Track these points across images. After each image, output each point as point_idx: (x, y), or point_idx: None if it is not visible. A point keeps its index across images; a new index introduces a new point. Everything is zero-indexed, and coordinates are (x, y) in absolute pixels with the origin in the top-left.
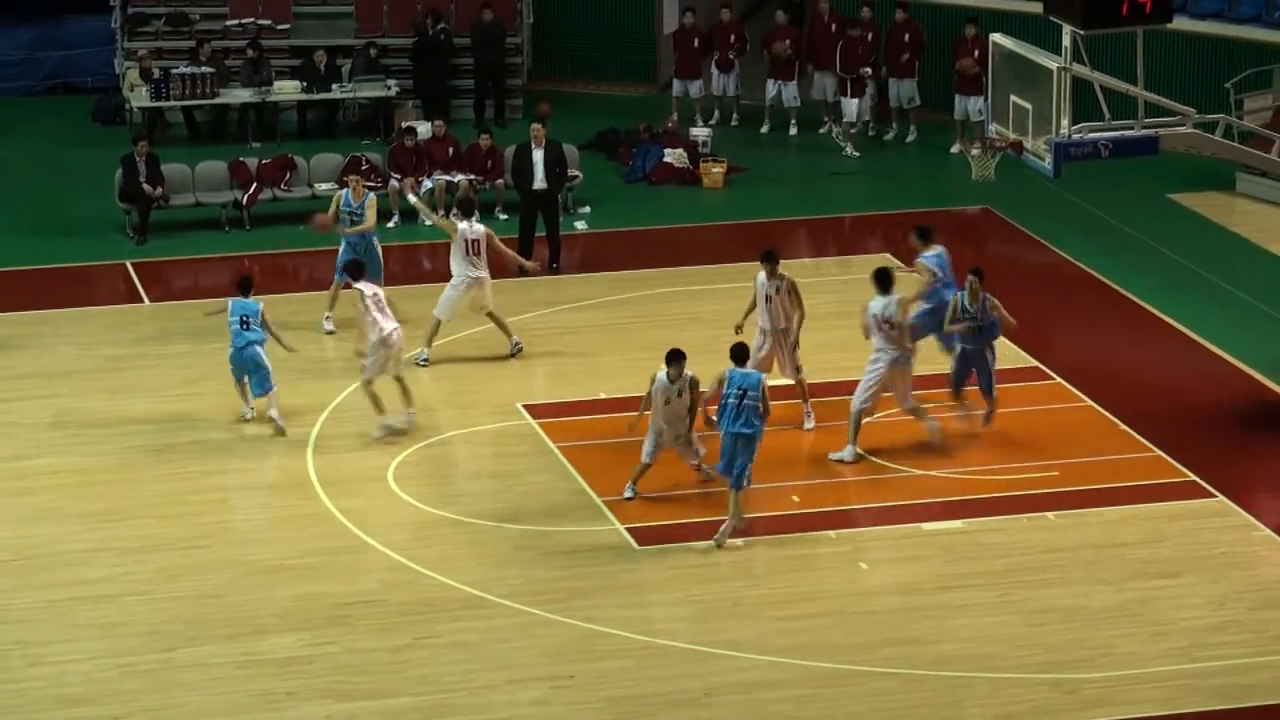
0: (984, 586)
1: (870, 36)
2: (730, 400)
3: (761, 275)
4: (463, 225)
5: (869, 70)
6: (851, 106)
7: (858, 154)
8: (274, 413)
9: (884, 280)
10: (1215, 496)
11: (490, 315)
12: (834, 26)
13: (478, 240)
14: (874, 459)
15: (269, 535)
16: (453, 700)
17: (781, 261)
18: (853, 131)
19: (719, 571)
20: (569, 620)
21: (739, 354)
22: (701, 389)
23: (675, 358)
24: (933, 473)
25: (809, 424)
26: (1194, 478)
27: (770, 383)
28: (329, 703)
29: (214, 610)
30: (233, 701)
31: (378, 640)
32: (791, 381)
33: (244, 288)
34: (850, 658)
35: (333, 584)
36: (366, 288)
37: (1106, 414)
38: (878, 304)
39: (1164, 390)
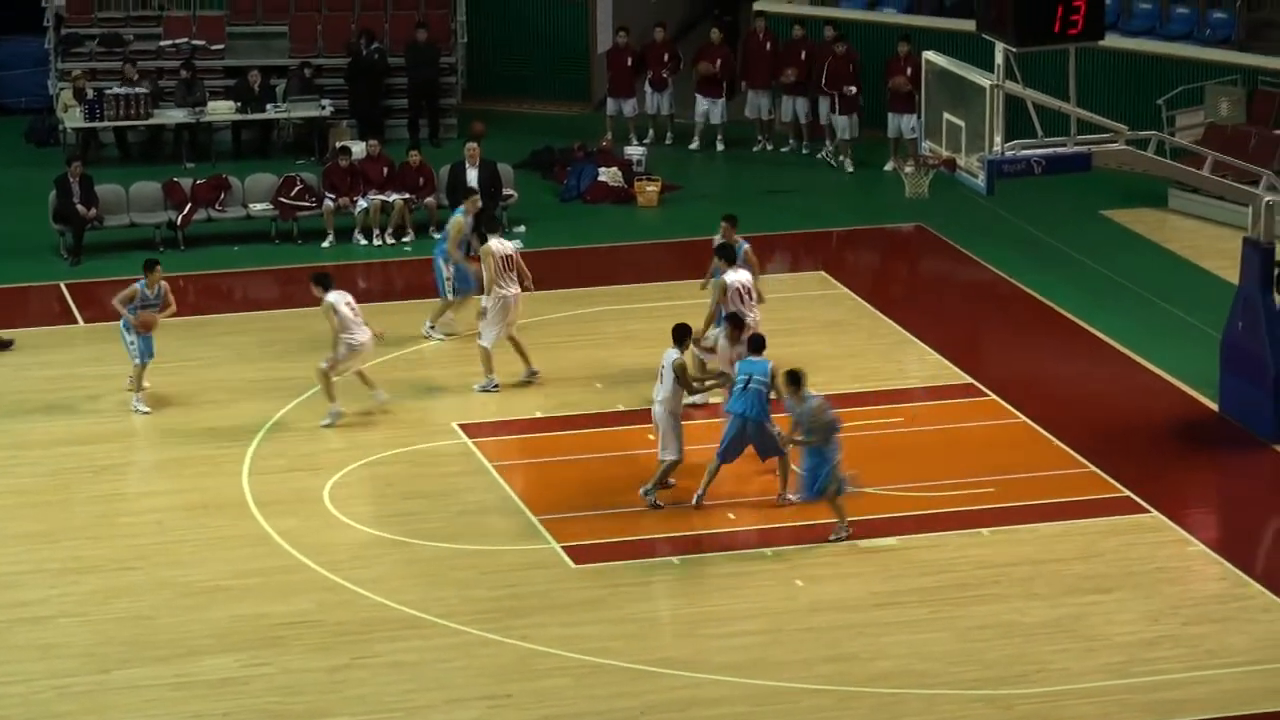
0: (919, 603)
1: (846, 51)
2: (737, 386)
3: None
4: (494, 242)
5: (853, 88)
6: (842, 123)
7: (852, 170)
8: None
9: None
10: (1149, 512)
11: (512, 339)
12: (768, 45)
13: (510, 256)
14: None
15: (204, 556)
16: None
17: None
18: (849, 150)
19: (655, 590)
20: (506, 640)
21: (757, 345)
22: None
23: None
24: (868, 490)
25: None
26: (1128, 493)
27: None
28: None
29: (149, 632)
30: None
31: (314, 660)
32: None
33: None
34: (787, 675)
35: (269, 604)
36: (341, 297)
37: (1041, 430)
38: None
39: (1098, 406)
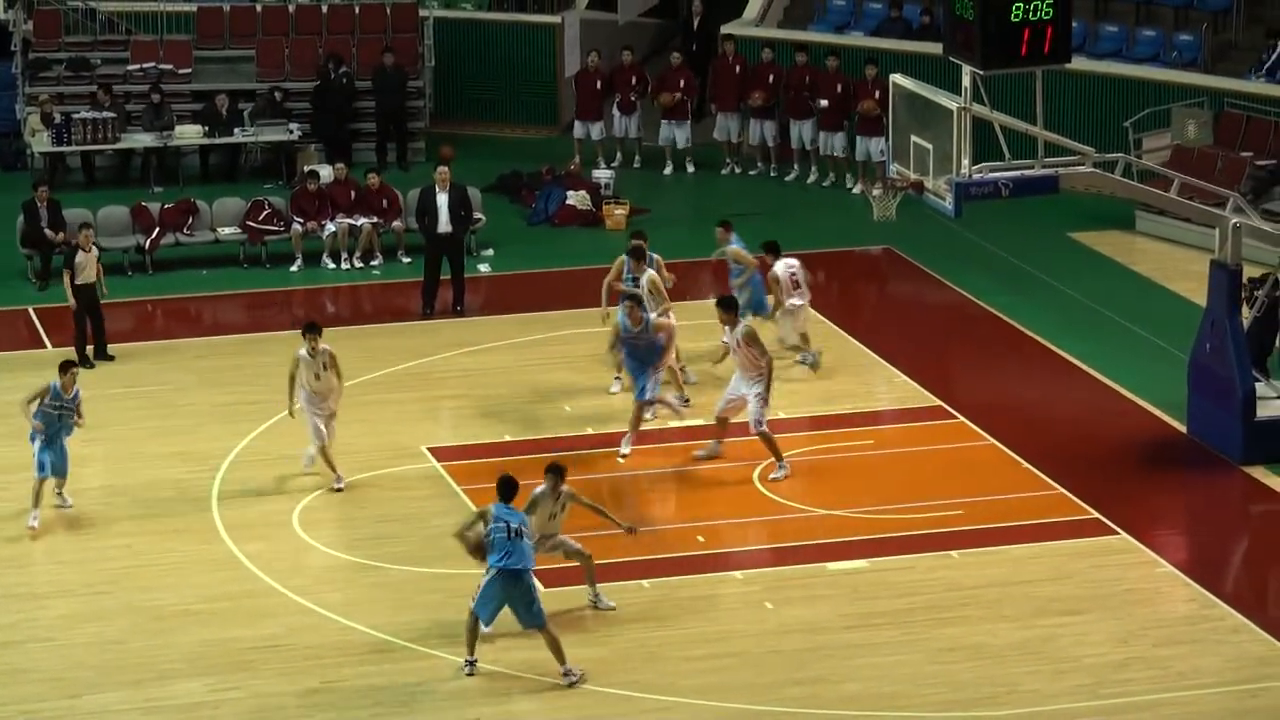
0: (889, 625)
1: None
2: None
3: (726, 328)
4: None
5: (824, 102)
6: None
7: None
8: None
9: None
10: (1118, 533)
11: (670, 367)
12: (738, 68)
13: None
14: (778, 499)
15: (174, 580)
16: None
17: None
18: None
19: (624, 614)
20: (478, 658)
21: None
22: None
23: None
24: (837, 512)
25: (777, 474)
26: (1097, 515)
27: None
28: None
29: (118, 656)
30: None
31: (284, 684)
32: (753, 434)
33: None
34: (756, 698)
35: (238, 629)
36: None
37: (1009, 452)
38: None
39: (1066, 428)
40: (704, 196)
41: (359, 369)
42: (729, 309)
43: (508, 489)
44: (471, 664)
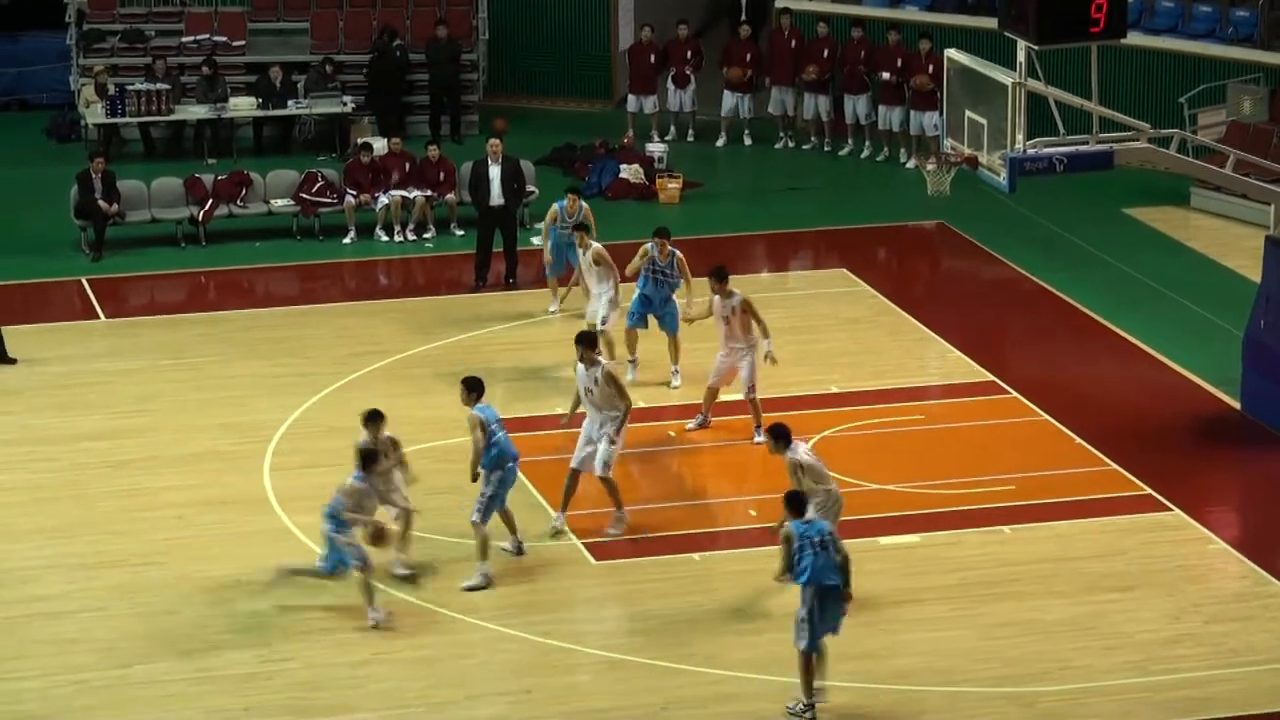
0: (940, 600)
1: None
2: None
3: (715, 297)
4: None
5: (887, 75)
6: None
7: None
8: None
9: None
10: (1171, 510)
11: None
12: (793, 42)
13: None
14: (831, 473)
15: (225, 551)
16: (411, 715)
17: (730, 278)
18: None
19: (676, 586)
20: (527, 635)
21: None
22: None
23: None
24: (889, 487)
25: (760, 438)
26: (1149, 491)
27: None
28: (286, 718)
29: (170, 626)
30: (189, 718)
31: (336, 656)
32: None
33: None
34: None
35: (290, 600)
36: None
37: (1062, 428)
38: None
39: (1119, 404)
40: (758, 171)
41: (411, 341)
42: (722, 279)
43: None
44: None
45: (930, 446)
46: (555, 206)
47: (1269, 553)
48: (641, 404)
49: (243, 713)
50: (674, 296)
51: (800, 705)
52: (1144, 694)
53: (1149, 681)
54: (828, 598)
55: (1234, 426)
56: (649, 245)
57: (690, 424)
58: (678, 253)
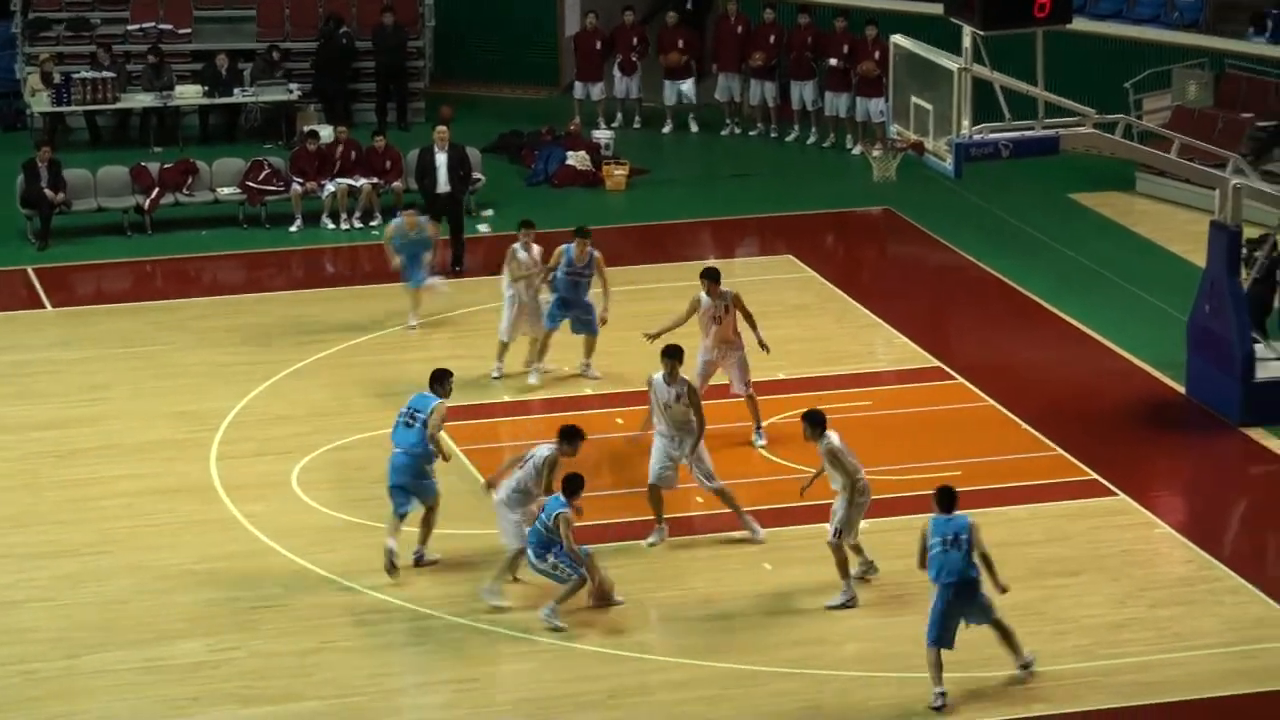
0: (888, 586)
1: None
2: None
3: (703, 296)
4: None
5: (834, 61)
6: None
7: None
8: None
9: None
10: (1116, 495)
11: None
12: (740, 28)
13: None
14: (778, 459)
15: (173, 541)
16: (359, 704)
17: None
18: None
19: (624, 574)
20: (474, 624)
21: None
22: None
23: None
24: None
25: (760, 441)
26: (1095, 476)
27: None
28: (234, 708)
29: (118, 616)
30: (138, 708)
31: (283, 644)
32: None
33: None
34: (756, 658)
35: (238, 589)
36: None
37: (1008, 413)
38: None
39: (1066, 389)
40: (704, 157)
41: (357, 330)
42: (715, 279)
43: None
44: None
45: (877, 432)
46: (561, 250)
47: (1214, 537)
48: (588, 390)
49: (191, 702)
50: (589, 298)
51: (935, 696)
52: (1091, 678)
53: (1096, 666)
54: (963, 593)
55: (1179, 411)
56: (566, 247)
57: None
58: (596, 253)
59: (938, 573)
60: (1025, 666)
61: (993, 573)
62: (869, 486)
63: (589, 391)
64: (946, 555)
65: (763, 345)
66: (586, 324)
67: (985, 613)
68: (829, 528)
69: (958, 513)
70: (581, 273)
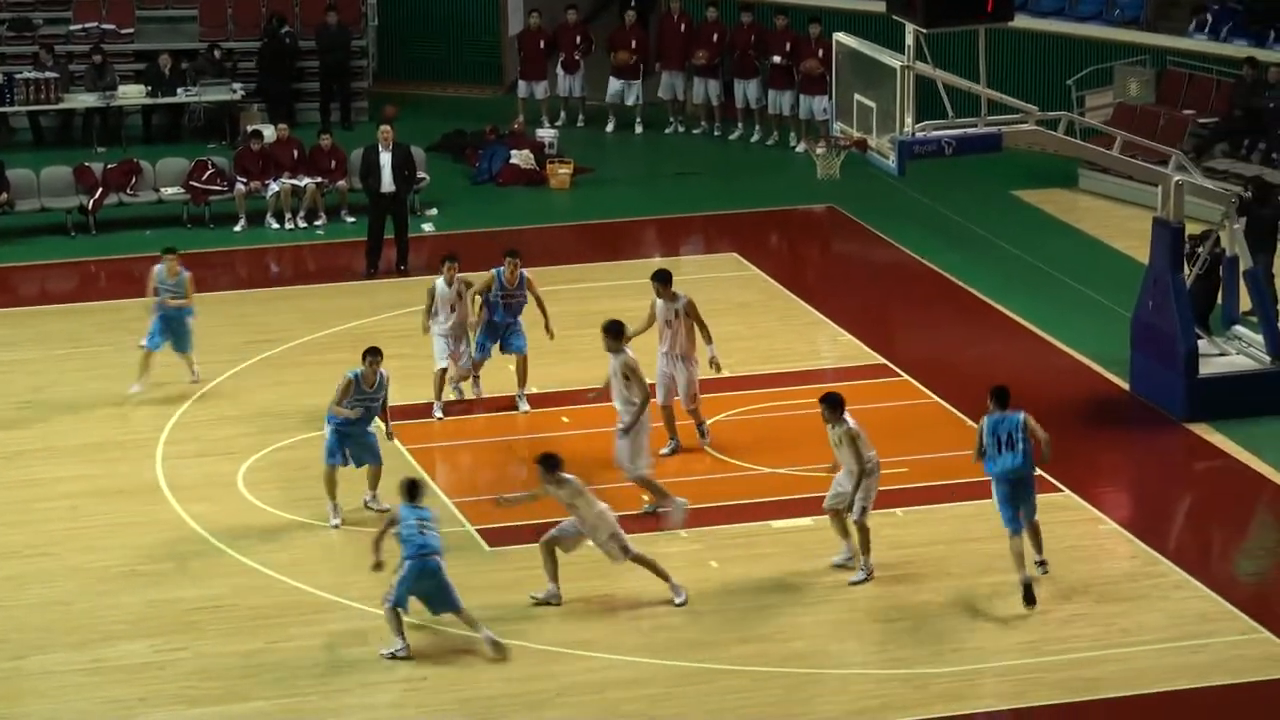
0: (833, 583)
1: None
2: None
3: (658, 301)
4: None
5: (777, 59)
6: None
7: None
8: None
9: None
10: (1061, 491)
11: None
12: (683, 26)
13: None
14: (723, 457)
15: (118, 541)
16: (306, 704)
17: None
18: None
19: (570, 572)
20: (421, 622)
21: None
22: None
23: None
24: (781, 470)
25: (705, 440)
26: (1040, 473)
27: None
28: (180, 708)
29: (63, 617)
30: (83, 709)
31: (229, 645)
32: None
33: None
34: (702, 656)
35: (183, 589)
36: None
37: (953, 410)
38: None
39: (1010, 385)
40: (648, 155)
41: (302, 329)
42: (665, 282)
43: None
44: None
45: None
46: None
47: (1158, 533)
48: (534, 388)
49: (138, 702)
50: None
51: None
52: (1036, 674)
53: (1041, 662)
54: (1018, 487)
55: (1123, 407)
56: (497, 270)
57: (664, 450)
58: (526, 273)
59: (993, 468)
60: (1041, 563)
61: (1046, 457)
62: (879, 464)
63: (535, 390)
64: (1000, 454)
65: (714, 364)
66: (515, 342)
67: (1032, 509)
68: (854, 507)
69: (1010, 411)
70: (514, 294)
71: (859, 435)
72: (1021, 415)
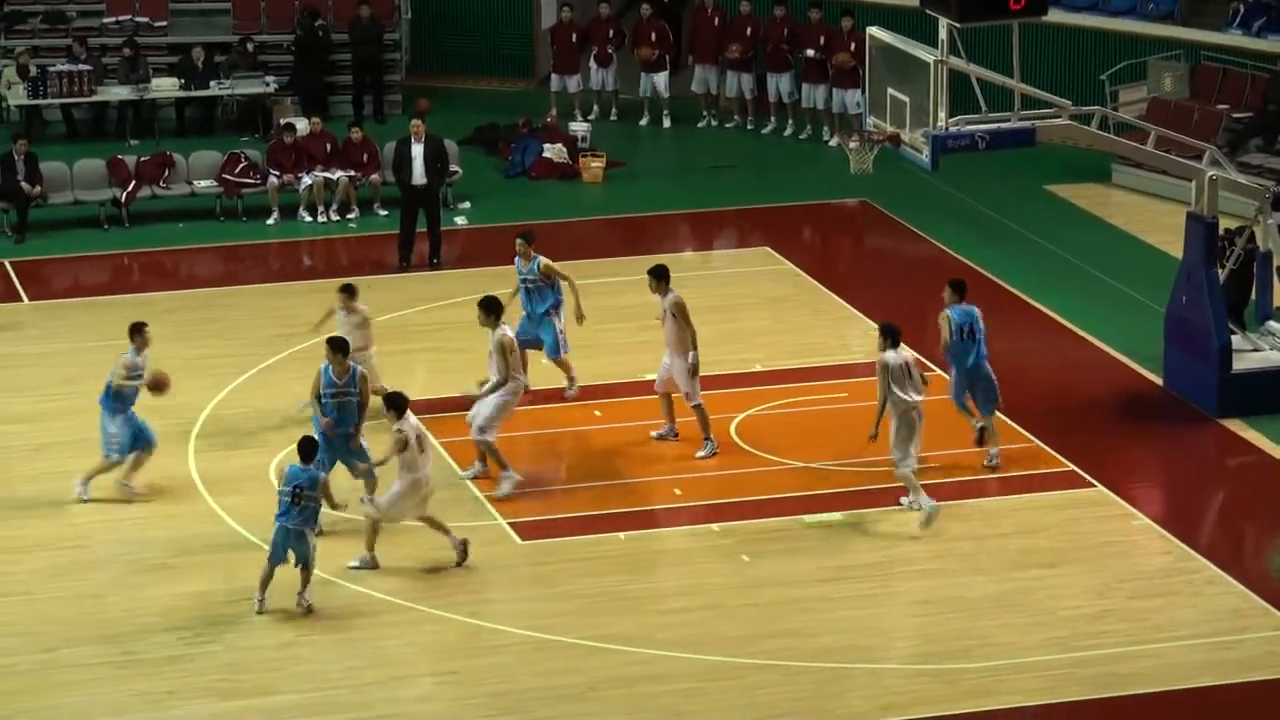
0: (864, 578)
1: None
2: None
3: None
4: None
5: (811, 52)
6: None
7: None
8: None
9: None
10: (1094, 486)
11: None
12: (716, 20)
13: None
14: (755, 451)
15: (150, 534)
16: (336, 698)
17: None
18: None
19: (602, 566)
20: (452, 616)
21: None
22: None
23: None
24: (813, 465)
25: (702, 452)
26: (1073, 467)
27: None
28: (211, 701)
29: (94, 610)
30: (114, 701)
31: (260, 638)
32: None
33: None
34: (733, 650)
35: (214, 582)
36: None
37: None
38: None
39: (1042, 381)
40: (681, 149)
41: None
42: (658, 277)
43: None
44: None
45: (854, 424)
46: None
47: (1191, 529)
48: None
49: (167, 695)
50: (552, 313)
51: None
52: (1067, 670)
53: (1072, 658)
54: (976, 377)
55: (1156, 403)
56: (518, 259)
57: (654, 433)
58: (540, 259)
59: (951, 356)
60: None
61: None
62: (923, 411)
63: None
64: (964, 344)
65: (692, 369)
66: (545, 342)
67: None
68: (897, 459)
69: (966, 303)
70: (530, 280)
71: (897, 371)
72: (976, 310)
